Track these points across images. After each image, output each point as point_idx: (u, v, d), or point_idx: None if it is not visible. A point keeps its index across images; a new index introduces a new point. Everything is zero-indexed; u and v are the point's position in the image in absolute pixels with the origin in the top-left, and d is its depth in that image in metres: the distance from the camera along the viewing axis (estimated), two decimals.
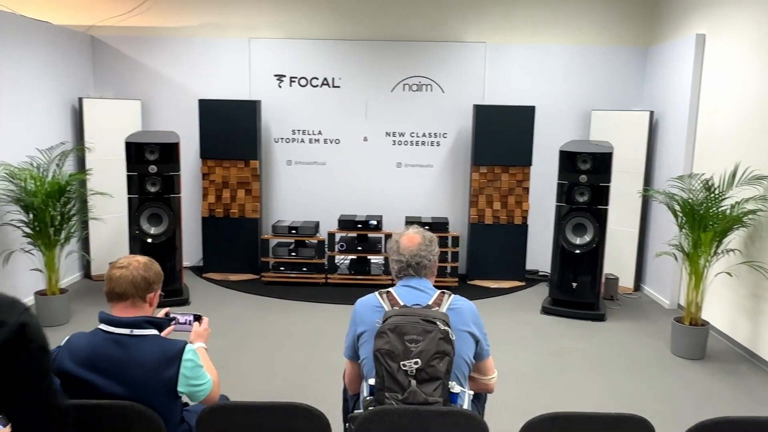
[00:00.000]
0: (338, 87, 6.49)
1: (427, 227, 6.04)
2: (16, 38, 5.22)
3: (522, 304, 5.79)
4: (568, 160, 5.39)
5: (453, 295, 2.40)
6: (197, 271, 6.53)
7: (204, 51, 6.46)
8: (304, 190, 6.67)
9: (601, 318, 5.37)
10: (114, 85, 6.48)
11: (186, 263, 6.49)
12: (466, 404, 2.32)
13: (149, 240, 5.41)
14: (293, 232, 6.15)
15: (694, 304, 4.59)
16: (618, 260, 6.22)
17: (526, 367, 4.40)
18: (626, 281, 6.23)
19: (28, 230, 4.84)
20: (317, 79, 6.49)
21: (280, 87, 6.49)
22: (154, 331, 2.09)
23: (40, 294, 4.94)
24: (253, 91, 6.49)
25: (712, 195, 4.50)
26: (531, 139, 6.16)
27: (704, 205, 4.52)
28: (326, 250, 6.18)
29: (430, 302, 2.33)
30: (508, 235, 6.32)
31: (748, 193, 4.47)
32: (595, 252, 5.36)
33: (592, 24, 6.45)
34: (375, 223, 6.12)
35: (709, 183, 4.54)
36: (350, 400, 2.63)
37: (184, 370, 2.06)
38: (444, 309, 2.30)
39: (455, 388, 2.18)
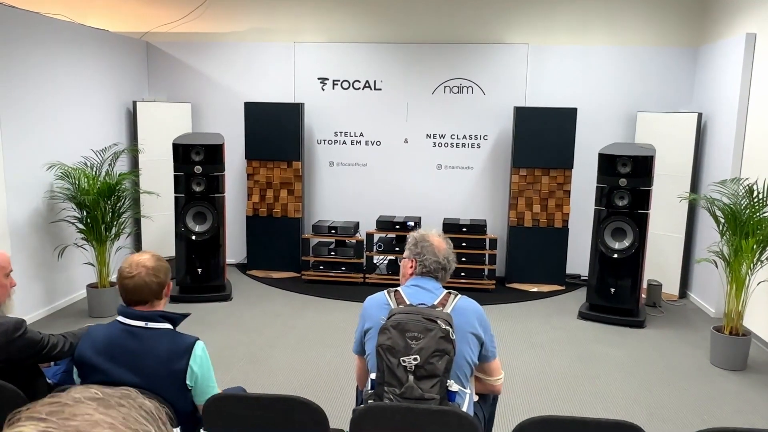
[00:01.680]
0: (380, 89, 6.59)
1: (465, 229, 6.10)
2: (76, 46, 5.55)
3: (559, 309, 5.72)
4: (608, 163, 5.29)
5: (459, 296, 2.44)
6: (242, 268, 6.75)
7: (251, 55, 6.68)
8: (345, 191, 6.79)
9: (640, 325, 5.25)
10: (167, 89, 6.78)
11: (231, 260, 6.73)
12: (465, 404, 2.35)
13: (193, 237, 5.64)
14: (333, 231, 6.28)
15: (735, 313, 4.44)
16: (662, 266, 6.06)
17: (555, 371, 4.36)
18: (671, 288, 6.06)
19: (81, 226, 5.14)
20: (359, 81, 6.60)
21: (323, 90, 6.64)
22: (167, 326, 2.22)
23: (91, 287, 5.24)
24: (298, 93, 6.66)
25: (755, 201, 4.34)
26: (572, 141, 6.07)
27: (747, 211, 4.36)
28: (365, 250, 6.28)
29: (435, 302, 2.38)
30: (548, 238, 6.25)
31: None
32: (635, 257, 5.24)
33: (639, 25, 6.30)
34: (413, 224, 6.18)
35: (752, 188, 4.38)
36: (360, 395, 2.71)
37: (192, 365, 2.18)
38: (449, 309, 2.35)
39: (453, 386, 2.22)
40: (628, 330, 5.20)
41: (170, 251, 5.94)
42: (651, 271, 5.99)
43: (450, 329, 2.22)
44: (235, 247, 6.75)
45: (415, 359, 2.16)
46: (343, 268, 6.29)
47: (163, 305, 2.30)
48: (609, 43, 6.35)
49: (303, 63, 6.62)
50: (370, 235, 6.27)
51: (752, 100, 5.20)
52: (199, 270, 5.68)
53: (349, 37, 6.61)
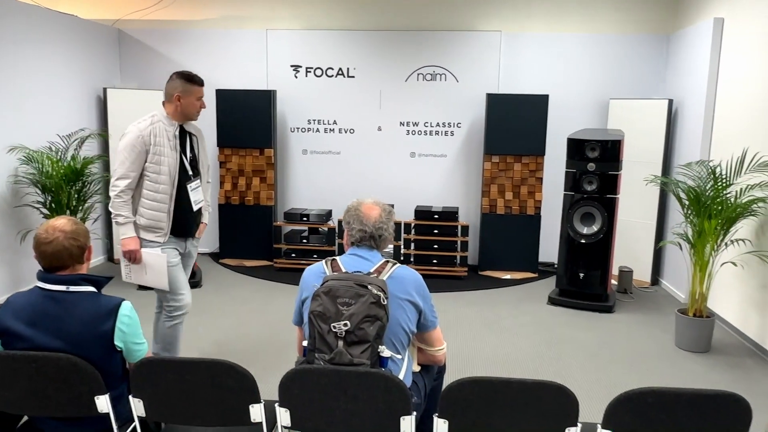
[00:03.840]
0: (353, 77, 6.56)
1: (437, 216, 6.08)
2: (45, 31, 5.50)
3: (530, 295, 5.70)
4: (576, 148, 5.28)
5: (398, 265, 2.42)
6: (214, 257, 6.71)
7: (224, 42, 6.64)
8: (319, 179, 6.76)
9: (608, 310, 5.25)
10: (139, 76, 6.73)
11: (204, 250, 6.70)
12: (402, 372, 2.33)
13: None
14: (304, 219, 6.25)
15: (698, 295, 4.43)
16: (634, 253, 6.06)
17: (519, 353, 4.35)
18: (643, 275, 6.06)
19: (45, 211, 5.09)
20: (332, 69, 6.57)
21: (296, 77, 6.61)
22: (90, 288, 2.18)
23: None
24: (271, 81, 6.62)
25: (719, 182, 4.33)
26: (544, 128, 6.06)
27: (710, 192, 4.36)
28: (337, 237, 6.25)
29: (371, 270, 2.36)
30: (521, 225, 6.24)
31: (759, 180, 4.28)
32: (604, 242, 5.23)
33: (612, 12, 6.30)
34: None
35: (716, 170, 4.38)
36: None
37: (120, 325, 2.14)
38: (384, 277, 2.32)
39: (385, 352, 2.20)
40: (596, 315, 5.19)
41: None
42: (623, 258, 5.99)
43: (382, 295, 2.19)
44: (207, 236, 6.70)
45: (345, 325, 2.14)
46: (315, 256, 6.26)
47: (86, 270, 2.26)
48: (582, 30, 6.34)
49: (276, 50, 6.59)
50: (341, 223, 6.23)
51: (720, 85, 5.20)
52: None
53: (322, 24, 6.58)
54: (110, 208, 3.32)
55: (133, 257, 3.35)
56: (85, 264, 2.25)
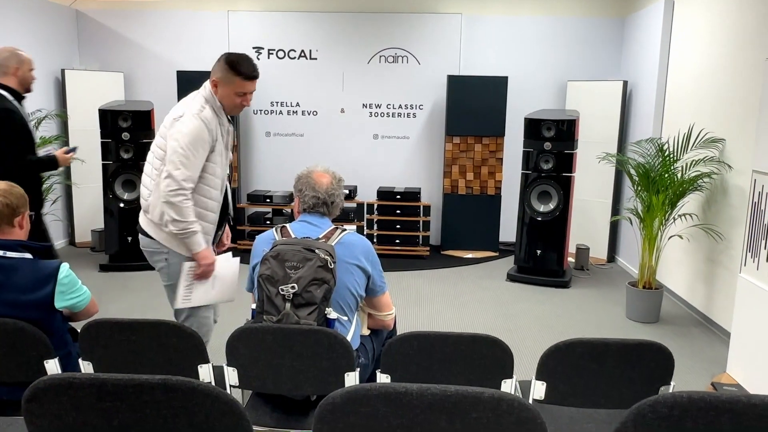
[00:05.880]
0: (315, 59, 6.57)
1: (399, 197, 6.14)
2: None
3: (490, 273, 5.82)
4: (533, 127, 5.40)
5: (348, 232, 2.48)
6: None
7: (184, 24, 6.59)
8: (282, 161, 6.77)
9: (565, 285, 5.39)
10: (99, 57, 6.65)
11: None
12: (350, 333, 2.40)
13: (122, 205, 5.57)
14: (268, 200, 6.27)
15: (647, 268, 4.59)
16: (591, 231, 6.21)
17: (476, 325, 4.47)
18: (600, 253, 6.22)
19: None
20: (294, 51, 6.57)
21: (258, 59, 6.58)
22: (27, 255, 2.20)
23: None
24: None
25: (665, 158, 4.48)
26: (504, 109, 6.17)
27: (659, 168, 4.51)
28: None
29: (320, 236, 2.41)
30: (482, 205, 6.35)
31: (704, 156, 4.44)
32: (560, 219, 5.37)
33: None
34: (347, 192, 6.21)
35: (664, 146, 4.53)
36: None
37: (59, 288, 2.18)
38: (332, 242, 2.38)
39: (332, 314, 2.26)
40: (553, 290, 5.33)
41: (102, 220, 5.85)
42: (580, 236, 6.14)
43: (329, 259, 2.25)
44: None
45: (292, 287, 2.19)
46: None
47: (22, 237, 2.28)
48: (540, 13, 6.45)
49: (237, 32, 6.56)
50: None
51: (671, 65, 5.35)
52: (129, 238, 5.61)
53: (284, 6, 6.57)
54: (176, 216, 2.60)
55: (210, 272, 2.81)
56: (17, 230, 2.25)
